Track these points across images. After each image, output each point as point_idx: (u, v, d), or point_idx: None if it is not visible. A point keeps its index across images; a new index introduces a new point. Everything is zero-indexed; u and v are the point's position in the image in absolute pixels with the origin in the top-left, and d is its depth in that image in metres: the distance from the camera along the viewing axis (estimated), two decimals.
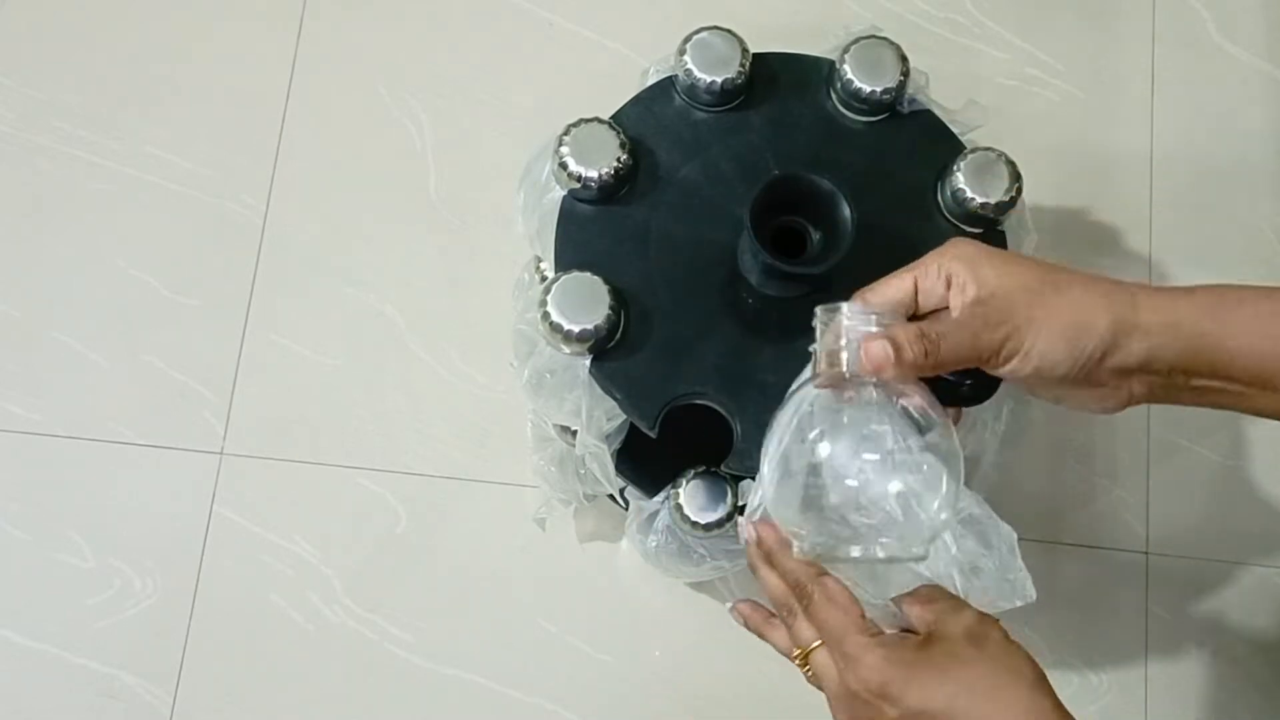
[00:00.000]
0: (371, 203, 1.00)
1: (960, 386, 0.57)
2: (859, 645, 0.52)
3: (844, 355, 0.52)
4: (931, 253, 0.56)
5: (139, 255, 0.98)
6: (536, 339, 0.69)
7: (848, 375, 0.52)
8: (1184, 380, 0.54)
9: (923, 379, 0.54)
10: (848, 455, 0.51)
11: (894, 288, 0.56)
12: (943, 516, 0.52)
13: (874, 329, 0.53)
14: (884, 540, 0.51)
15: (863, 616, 0.53)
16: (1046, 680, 0.52)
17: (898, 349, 0.51)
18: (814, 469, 0.52)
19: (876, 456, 0.51)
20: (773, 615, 0.60)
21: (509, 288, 0.85)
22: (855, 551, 0.51)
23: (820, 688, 0.56)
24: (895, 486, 0.51)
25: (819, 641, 0.55)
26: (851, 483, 0.51)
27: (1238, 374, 0.53)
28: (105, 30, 1.04)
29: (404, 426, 0.95)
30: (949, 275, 0.54)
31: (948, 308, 0.55)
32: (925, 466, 0.52)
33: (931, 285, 0.55)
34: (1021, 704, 0.51)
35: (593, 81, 1.01)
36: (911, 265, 0.56)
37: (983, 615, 0.54)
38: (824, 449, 0.52)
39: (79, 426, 0.94)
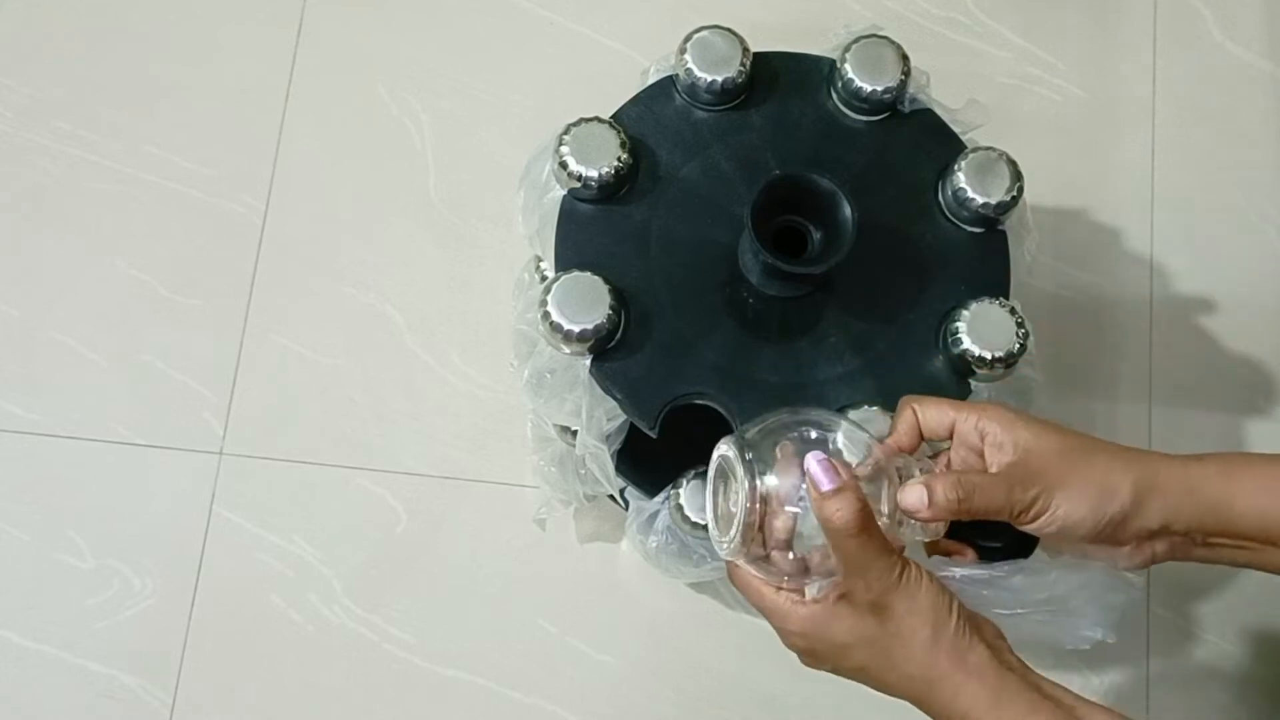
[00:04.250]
0: (371, 203, 1.00)
1: (997, 549, 0.61)
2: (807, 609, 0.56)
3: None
4: (973, 405, 0.60)
5: (139, 255, 0.98)
6: (536, 339, 0.69)
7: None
8: (1200, 538, 0.60)
9: (963, 538, 0.60)
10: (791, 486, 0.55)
11: (937, 411, 0.60)
12: None
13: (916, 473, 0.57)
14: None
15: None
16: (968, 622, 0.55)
17: (931, 495, 0.55)
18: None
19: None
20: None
21: (509, 288, 0.85)
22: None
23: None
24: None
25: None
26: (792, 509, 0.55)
27: (1247, 532, 0.59)
28: (105, 30, 1.04)
29: (404, 426, 0.95)
30: (984, 432, 0.58)
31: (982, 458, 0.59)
32: None
33: (966, 432, 0.59)
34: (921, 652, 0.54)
35: (593, 81, 1.01)
36: (956, 403, 0.60)
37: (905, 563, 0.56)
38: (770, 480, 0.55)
39: (79, 426, 0.94)
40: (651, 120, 0.73)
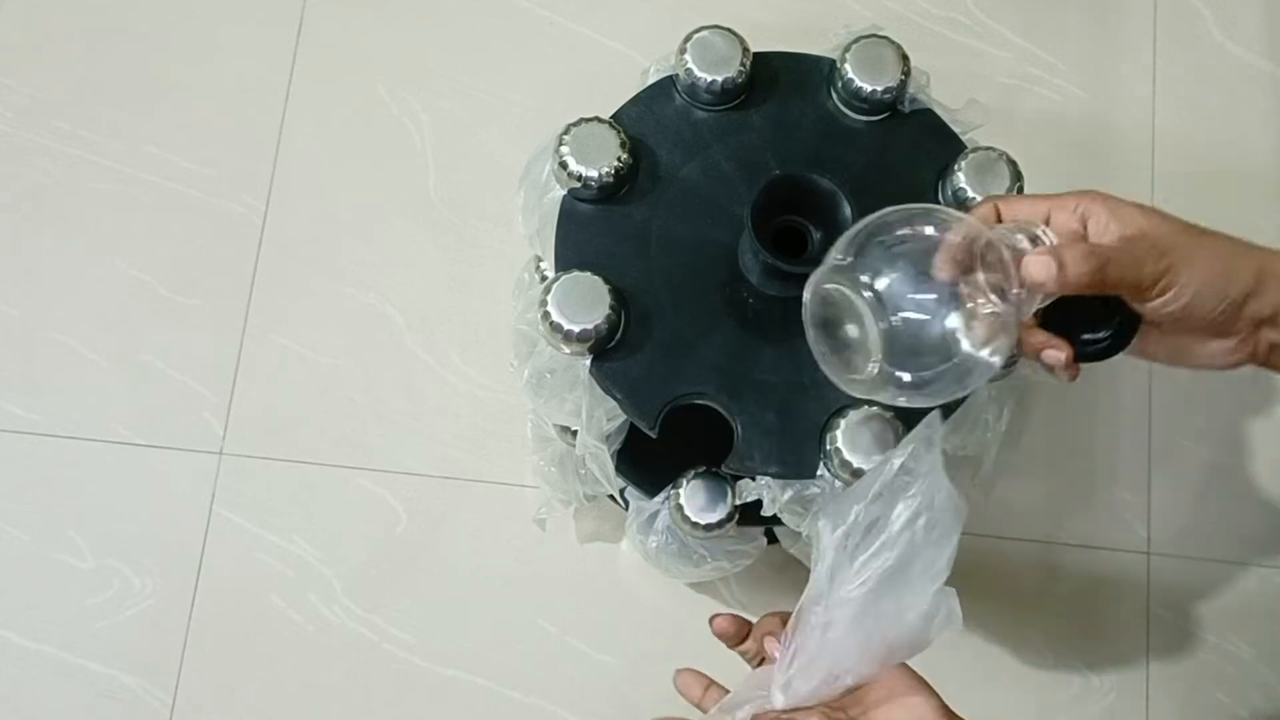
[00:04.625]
0: (371, 203, 1.00)
1: (1100, 341, 0.57)
2: None
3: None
4: (1068, 192, 0.56)
5: (139, 255, 0.98)
6: (536, 339, 0.69)
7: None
8: None
9: (1063, 334, 0.55)
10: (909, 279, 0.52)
11: (1028, 206, 0.56)
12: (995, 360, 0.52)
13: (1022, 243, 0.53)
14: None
15: None
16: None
17: (1061, 265, 0.52)
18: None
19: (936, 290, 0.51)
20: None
21: (509, 288, 0.85)
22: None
23: None
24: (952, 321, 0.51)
25: None
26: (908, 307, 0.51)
27: None
28: (105, 30, 1.04)
29: (404, 426, 0.95)
30: (1085, 215, 0.55)
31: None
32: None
33: (1065, 220, 0.56)
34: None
35: (593, 81, 1.01)
36: (1044, 195, 0.57)
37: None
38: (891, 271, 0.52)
39: (79, 426, 0.94)
40: (651, 120, 0.73)
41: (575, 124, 0.71)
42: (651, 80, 0.75)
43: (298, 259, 0.99)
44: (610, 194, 0.71)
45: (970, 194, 0.70)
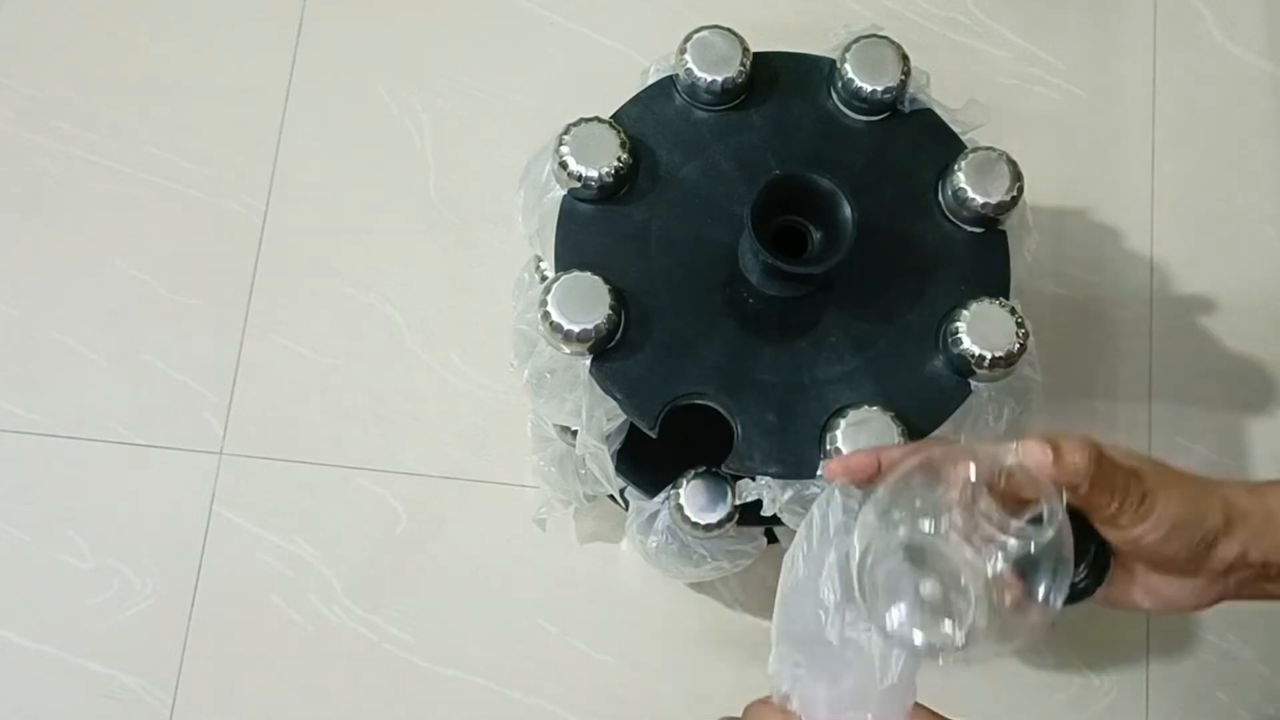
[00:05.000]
0: (371, 203, 1.00)
1: (1077, 581, 0.55)
2: None
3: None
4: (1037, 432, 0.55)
5: (139, 255, 0.98)
6: (536, 339, 0.69)
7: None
8: (1275, 570, 0.55)
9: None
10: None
11: (989, 448, 0.54)
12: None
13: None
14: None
15: None
16: None
17: (1058, 451, 0.50)
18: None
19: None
20: None
21: (509, 288, 0.85)
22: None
23: None
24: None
25: None
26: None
27: None
28: (105, 30, 1.04)
29: (404, 426, 0.95)
30: (1055, 445, 0.53)
31: None
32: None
33: (1033, 448, 0.53)
34: None
35: (593, 81, 1.01)
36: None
37: None
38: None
39: (79, 426, 0.94)
40: (651, 120, 0.73)
41: (575, 124, 0.71)
42: (651, 80, 0.75)
43: (298, 259, 0.99)
44: (610, 194, 0.71)
45: (970, 194, 0.70)
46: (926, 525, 0.50)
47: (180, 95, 1.02)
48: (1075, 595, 0.55)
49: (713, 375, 0.68)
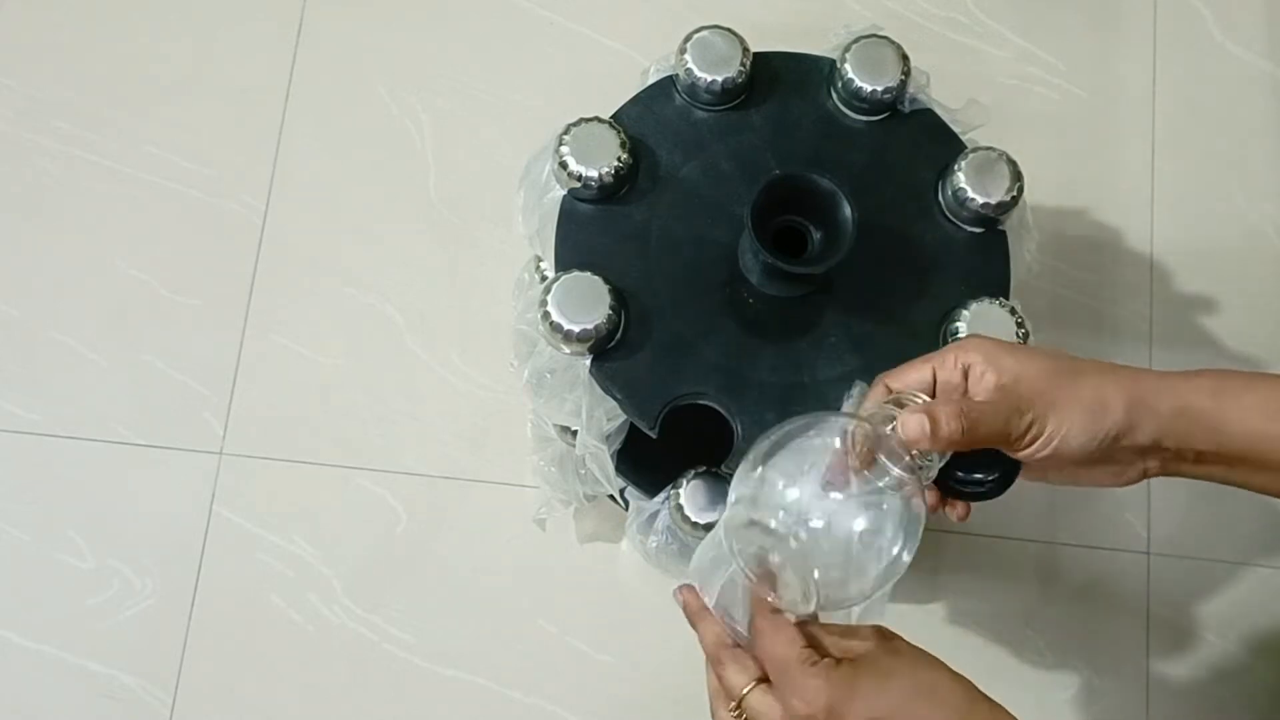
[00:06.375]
0: (371, 203, 1.00)
1: (984, 483, 0.59)
2: (804, 673, 0.54)
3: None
4: (948, 346, 0.59)
5: (139, 255, 0.98)
6: (536, 339, 0.69)
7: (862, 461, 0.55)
8: (1191, 455, 0.58)
9: (946, 481, 0.58)
10: (812, 496, 0.54)
11: (914, 374, 0.58)
12: (904, 559, 0.54)
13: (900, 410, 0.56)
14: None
15: (804, 648, 0.54)
16: (958, 673, 0.55)
17: (934, 423, 0.54)
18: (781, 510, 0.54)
19: (840, 496, 0.54)
20: (707, 612, 0.61)
21: (509, 288, 0.85)
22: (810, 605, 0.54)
23: None
24: (860, 524, 0.54)
25: (752, 684, 0.56)
26: (817, 523, 0.54)
27: (1237, 454, 0.58)
28: (105, 30, 1.04)
29: (404, 426, 0.95)
30: (965, 366, 0.57)
31: (966, 394, 0.58)
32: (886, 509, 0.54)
33: (948, 375, 0.58)
34: (955, 698, 0.54)
35: (593, 81, 1.01)
36: (928, 356, 0.59)
37: (879, 629, 0.56)
38: (791, 492, 0.54)
39: (79, 426, 0.94)
40: (651, 120, 0.73)
41: (575, 124, 0.71)
42: (651, 80, 0.75)
43: (298, 259, 0.99)
44: (610, 194, 0.71)
45: (970, 194, 0.70)
46: (800, 487, 0.55)
47: (180, 95, 1.02)
48: (984, 495, 0.59)
49: (713, 375, 0.68)
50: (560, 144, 0.70)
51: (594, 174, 0.69)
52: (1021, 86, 1.06)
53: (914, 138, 0.74)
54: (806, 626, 0.55)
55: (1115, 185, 1.04)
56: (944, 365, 0.58)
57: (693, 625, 0.60)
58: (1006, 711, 0.54)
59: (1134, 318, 1.00)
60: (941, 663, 0.55)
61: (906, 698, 0.53)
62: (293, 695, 0.89)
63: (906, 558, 0.54)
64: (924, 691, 0.54)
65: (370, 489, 0.94)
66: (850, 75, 0.72)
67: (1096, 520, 0.96)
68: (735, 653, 0.58)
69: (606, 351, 0.68)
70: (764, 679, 0.56)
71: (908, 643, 0.56)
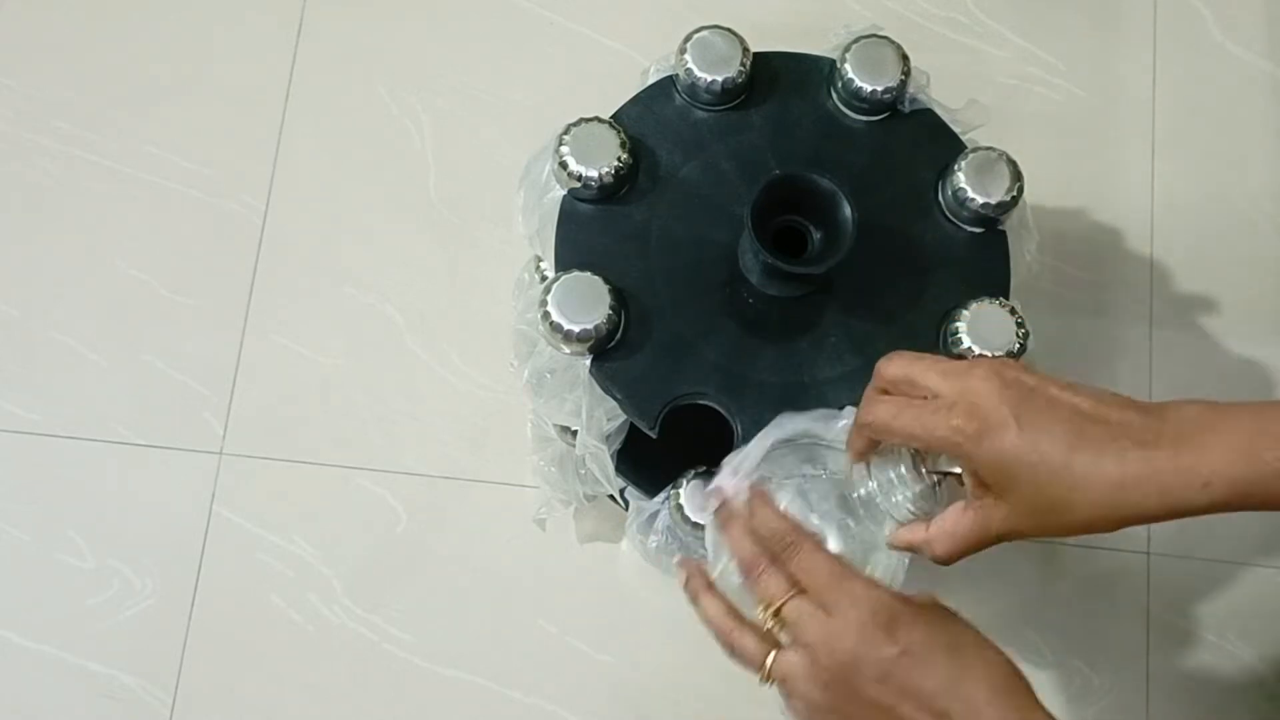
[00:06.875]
0: (371, 203, 1.00)
1: None
2: (865, 582, 0.52)
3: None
4: (956, 369, 0.55)
5: (139, 255, 0.98)
6: (536, 339, 0.69)
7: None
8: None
9: None
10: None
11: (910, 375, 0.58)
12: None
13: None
14: None
15: None
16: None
17: (925, 545, 0.56)
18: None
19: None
20: (711, 586, 0.59)
21: (509, 288, 0.85)
22: None
23: (785, 644, 0.54)
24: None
25: (793, 592, 0.54)
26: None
27: None
28: (105, 30, 1.04)
29: (404, 426, 0.95)
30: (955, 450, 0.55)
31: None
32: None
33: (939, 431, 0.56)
34: (1012, 681, 0.52)
35: (593, 81, 1.01)
36: (933, 368, 0.56)
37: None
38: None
39: (79, 426, 0.94)
40: (651, 120, 0.73)
41: (575, 124, 0.71)
42: (651, 80, 0.75)
43: (298, 259, 0.99)
44: (610, 194, 0.71)
45: (970, 194, 0.70)
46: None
47: (180, 95, 1.02)
48: None
49: (713, 375, 0.68)
50: (560, 144, 0.70)
51: (594, 174, 0.69)
52: (1021, 86, 1.06)
53: (914, 138, 0.74)
54: None
55: (1115, 185, 1.04)
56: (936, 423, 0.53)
57: (725, 529, 0.58)
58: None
59: (1134, 318, 1.00)
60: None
61: (967, 647, 0.52)
62: (293, 695, 0.89)
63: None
64: (984, 645, 0.52)
65: (370, 489, 0.94)
66: (850, 75, 0.72)
67: None
68: (772, 568, 0.55)
69: (606, 351, 0.68)
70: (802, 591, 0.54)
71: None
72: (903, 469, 0.56)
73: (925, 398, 0.54)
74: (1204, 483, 0.50)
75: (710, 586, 0.58)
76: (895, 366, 0.56)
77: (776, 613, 0.54)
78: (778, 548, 0.55)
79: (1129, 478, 0.51)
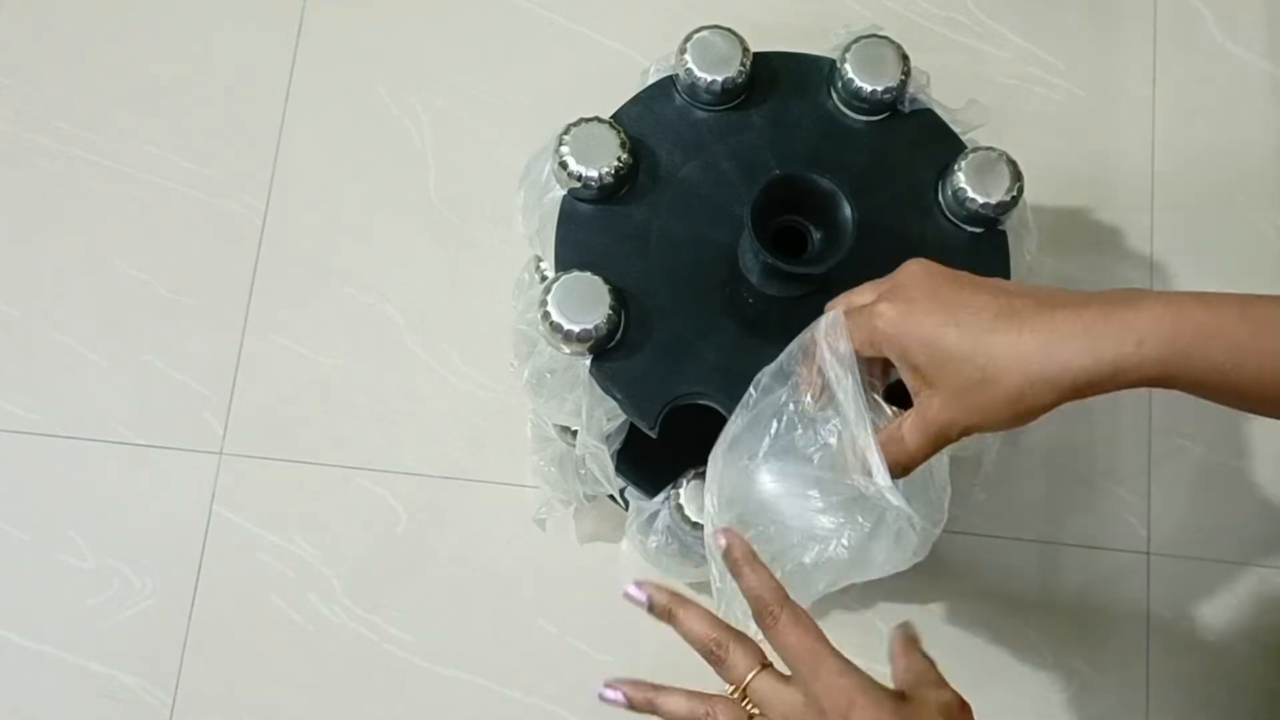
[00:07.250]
0: (371, 203, 1.00)
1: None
2: (838, 666, 0.50)
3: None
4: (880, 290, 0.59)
5: (139, 255, 0.98)
6: (536, 339, 0.69)
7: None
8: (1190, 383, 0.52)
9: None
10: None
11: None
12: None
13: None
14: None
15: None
16: None
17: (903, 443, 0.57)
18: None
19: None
20: (660, 687, 0.57)
21: (509, 288, 0.85)
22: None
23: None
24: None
25: (758, 668, 0.52)
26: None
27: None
28: (105, 30, 1.04)
29: (404, 426, 0.95)
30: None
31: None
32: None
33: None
34: None
35: (593, 81, 1.01)
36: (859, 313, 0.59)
37: (962, 701, 0.52)
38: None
39: (79, 426, 0.94)
40: (651, 120, 0.73)
41: (575, 124, 0.71)
42: (651, 80, 0.75)
43: (298, 259, 0.99)
44: (610, 194, 0.71)
45: (970, 194, 0.70)
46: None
47: (180, 95, 1.02)
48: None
49: (713, 375, 0.68)
50: (560, 144, 0.70)
51: (594, 174, 0.69)
52: (1021, 86, 1.06)
53: (914, 138, 0.74)
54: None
55: (1115, 185, 1.04)
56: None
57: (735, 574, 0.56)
58: None
59: None
60: None
61: None
62: (293, 695, 0.89)
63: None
64: None
65: (370, 489, 0.94)
66: (850, 75, 0.72)
67: (1096, 520, 0.96)
68: (741, 638, 0.54)
69: (606, 351, 0.68)
70: (767, 665, 0.53)
71: None
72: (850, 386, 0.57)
73: None
74: (1138, 340, 0.49)
75: (753, 556, 0.55)
76: (838, 302, 0.61)
77: (743, 692, 0.53)
78: (761, 613, 0.53)
79: (1057, 335, 0.50)
